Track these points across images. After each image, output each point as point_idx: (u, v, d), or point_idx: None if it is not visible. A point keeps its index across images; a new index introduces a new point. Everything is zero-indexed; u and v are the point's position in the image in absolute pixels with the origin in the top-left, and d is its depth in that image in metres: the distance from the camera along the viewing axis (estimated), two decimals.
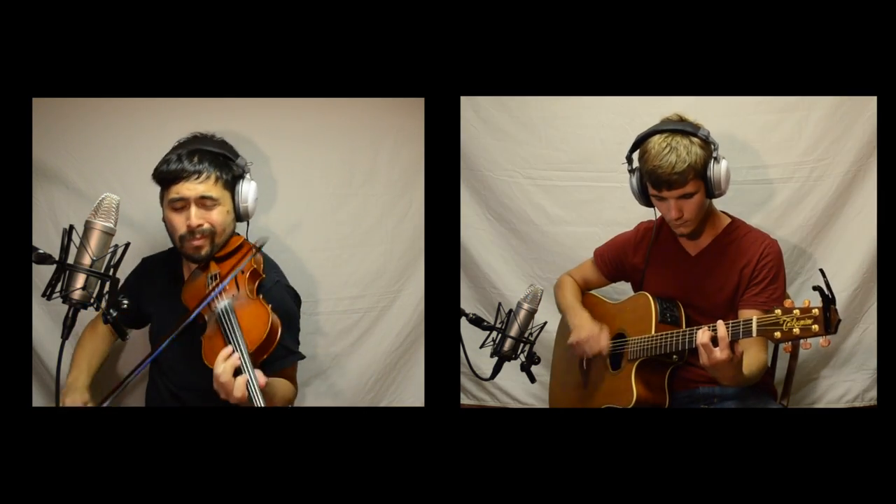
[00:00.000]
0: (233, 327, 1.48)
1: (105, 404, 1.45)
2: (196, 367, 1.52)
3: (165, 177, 1.63)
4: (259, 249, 1.61)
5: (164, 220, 1.67)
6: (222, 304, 1.53)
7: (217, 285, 1.55)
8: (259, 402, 1.39)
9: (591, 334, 1.80)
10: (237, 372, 1.41)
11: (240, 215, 1.70)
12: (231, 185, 1.68)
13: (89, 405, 1.67)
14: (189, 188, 1.61)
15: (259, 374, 1.42)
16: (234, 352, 1.42)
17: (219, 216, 1.64)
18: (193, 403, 1.68)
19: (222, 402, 1.44)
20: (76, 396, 1.67)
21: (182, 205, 1.62)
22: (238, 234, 1.73)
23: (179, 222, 1.62)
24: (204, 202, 1.62)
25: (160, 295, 1.75)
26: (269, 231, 2.05)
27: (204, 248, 1.63)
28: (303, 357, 1.75)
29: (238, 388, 1.39)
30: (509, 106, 2.35)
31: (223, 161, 1.67)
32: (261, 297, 1.61)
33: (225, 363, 1.41)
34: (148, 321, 1.80)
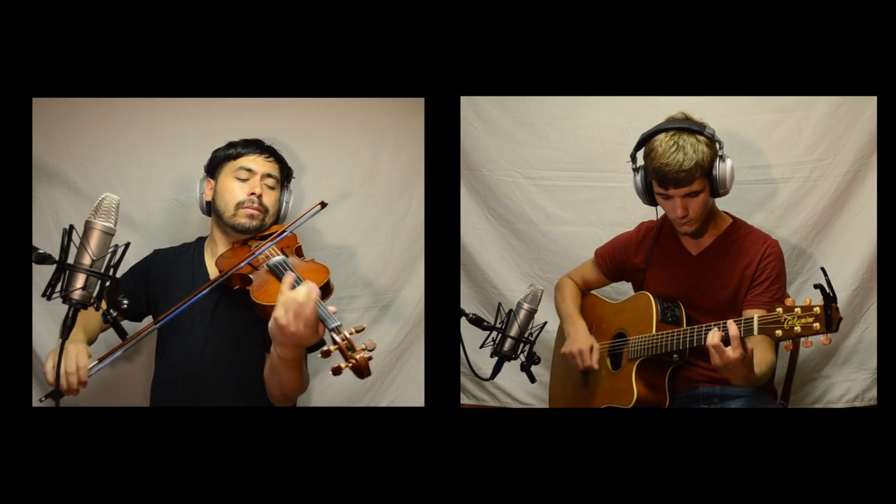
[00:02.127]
0: (294, 272, 1.52)
1: (95, 369, 1.43)
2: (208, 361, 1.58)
3: (233, 153, 1.77)
4: (324, 205, 1.71)
5: (217, 192, 1.75)
6: (277, 258, 1.61)
7: (269, 242, 1.64)
8: (333, 318, 1.38)
9: (582, 349, 1.81)
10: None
11: (279, 215, 1.83)
12: (283, 180, 1.85)
13: (89, 360, 1.58)
14: (259, 163, 1.77)
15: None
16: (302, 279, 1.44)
17: (274, 198, 1.79)
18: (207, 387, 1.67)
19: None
20: (79, 346, 1.58)
21: (248, 175, 1.75)
22: (281, 224, 1.83)
23: (242, 190, 1.74)
24: (267, 180, 1.78)
25: (177, 285, 1.74)
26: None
27: (255, 219, 1.73)
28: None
29: (310, 304, 1.37)
30: (509, 106, 2.35)
31: (282, 158, 1.85)
32: (312, 259, 1.71)
33: (297, 287, 1.38)
34: (149, 313, 1.79)
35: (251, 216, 1.73)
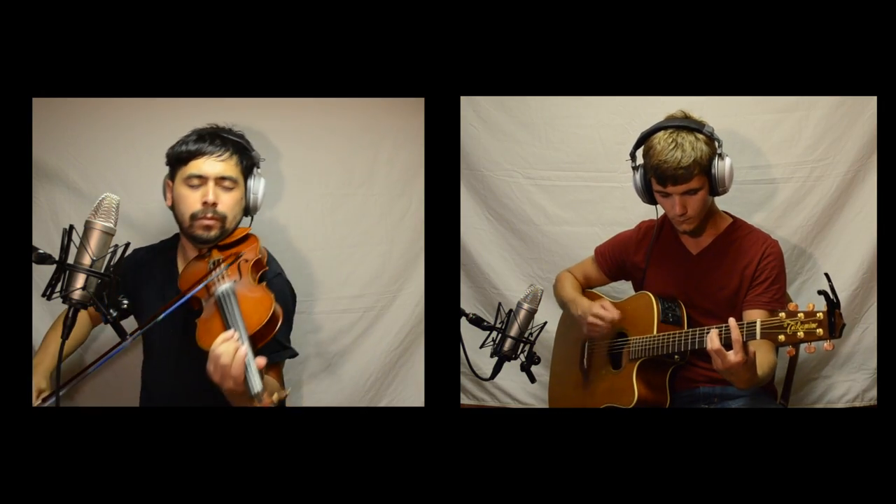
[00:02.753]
0: (233, 310, 1.44)
1: (49, 401, 1.43)
2: (185, 380, 1.53)
3: (182, 155, 1.61)
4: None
5: (173, 200, 1.65)
6: (224, 286, 1.49)
7: (219, 266, 1.53)
8: (257, 383, 1.33)
9: (598, 310, 1.80)
10: None
11: (247, 208, 1.70)
12: (246, 173, 1.68)
13: (43, 393, 1.62)
14: (210, 165, 1.61)
15: (260, 358, 1.36)
16: (234, 334, 1.37)
17: (233, 201, 1.64)
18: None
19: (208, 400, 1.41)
20: (36, 378, 1.60)
21: (199, 182, 1.61)
22: (244, 227, 1.71)
23: (194, 199, 1.61)
24: (223, 182, 1.62)
25: (157, 288, 1.71)
26: (270, 228, 2.05)
27: (213, 229, 1.61)
28: (295, 354, 1.72)
29: (236, 366, 1.33)
30: (509, 106, 2.35)
31: (242, 148, 1.68)
32: (264, 284, 1.59)
33: (226, 343, 1.34)
34: (131, 312, 1.72)
35: (207, 227, 1.61)
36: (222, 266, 1.53)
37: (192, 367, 1.56)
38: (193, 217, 1.60)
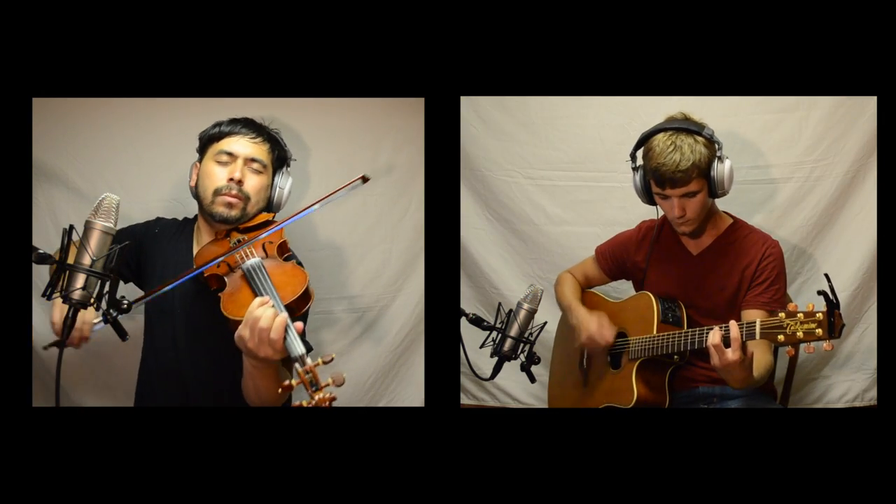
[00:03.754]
0: (265, 281, 1.45)
1: (98, 326, 1.42)
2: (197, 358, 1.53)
3: (216, 134, 1.63)
4: (366, 180, 1.59)
5: (198, 178, 1.65)
6: (252, 261, 1.51)
7: (245, 241, 1.53)
8: (299, 346, 1.32)
9: (593, 333, 1.80)
10: None
11: (271, 202, 1.70)
12: (276, 165, 1.70)
13: (94, 315, 1.54)
14: (242, 145, 1.63)
15: (298, 322, 1.36)
16: (270, 300, 1.37)
17: (259, 185, 1.64)
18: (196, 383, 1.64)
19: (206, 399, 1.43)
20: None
21: (228, 159, 1.62)
22: (268, 213, 1.70)
23: (221, 174, 1.61)
24: (252, 164, 1.63)
25: (169, 264, 1.67)
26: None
27: (235, 208, 1.61)
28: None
29: (276, 328, 1.32)
30: (509, 106, 2.35)
31: (276, 139, 1.70)
32: (293, 262, 1.59)
33: (263, 307, 1.34)
34: (133, 280, 1.73)
35: (229, 205, 1.60)
36: (247, 241, 1.53)
37: (196, 342, 1.60)
38: (217, 192, 1.60)
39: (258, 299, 1.38)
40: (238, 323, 1.38)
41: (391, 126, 2.22)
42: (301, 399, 1.31)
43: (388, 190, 2.24)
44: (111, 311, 1.29)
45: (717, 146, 1.66)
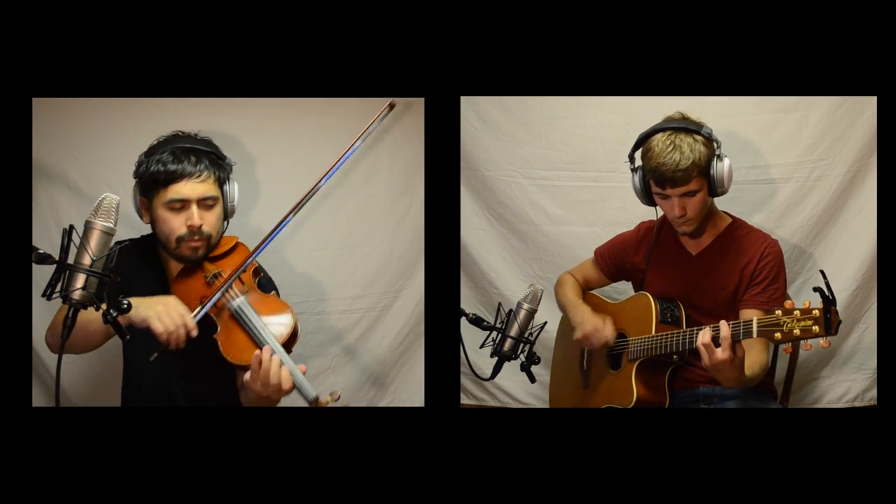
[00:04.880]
0: (255, 323, 1.52)
1: (198, 316, 1.50)
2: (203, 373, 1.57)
3: (162, 177, 1.58)
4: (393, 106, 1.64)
5: (154, 221, 1.63)
6: (237, 301, 1.56)
7: (226, 281, 1.56)
8: (311, 390, 1.44)
9: (596, 327, 1.80)
10: None
11: (226, 214, 1.69)
12: (222, 184, 1.67)
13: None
14: (191, 188, 1.59)
15: (301, 365, 1.48)
16: (267, 349, 1.47)
17: (215, 218, 1.64)
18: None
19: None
20: (172, 299, 1.52)
21: (181, 205, 1.59)
22: (231, 236, 1.71)
23: (178, 223, 1.59)
24: (206, 202, 1.61)
25: (142, 284, 1.65)
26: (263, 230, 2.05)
27: (201, 249, 1.62)
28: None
29: (286, 381, 1.43)
30: (509, 106, 2.35)
31: (216, 160, 1.66)
32: (273, 293, 1.66)
33: (268, 359, 1.44)
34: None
35: (194, 248, 1.61)
36: (225, 282, 1.56)
37: (196, 368, 1.62)
38: (179, 240, 1.60)
39: (256, 353, 1.46)
40: (242, 367, 1.48)
41: (391, 126, 2.22)
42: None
43: (388, 190, 2.24)
44: (111, 311, 1.29)
45: (715, 145, 1.66)
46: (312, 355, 2.19)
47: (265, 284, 1.71)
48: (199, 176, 1.60)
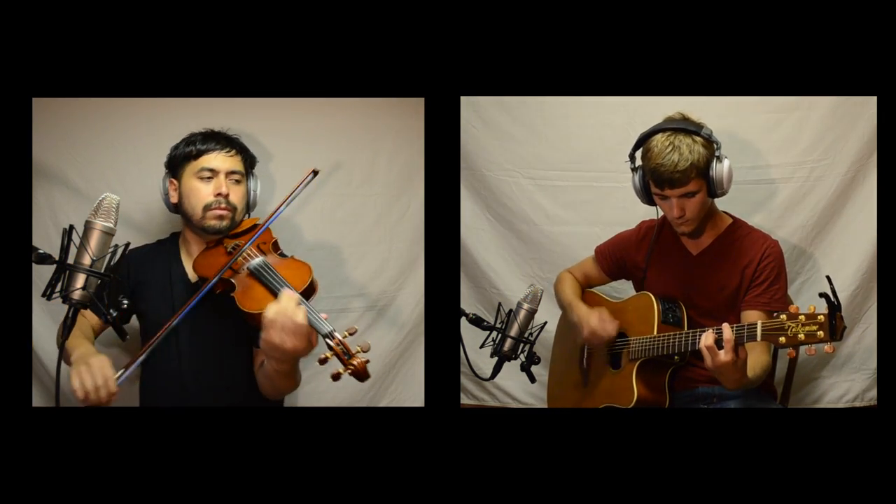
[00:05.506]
0: (275, 275, 1.56)
1: (122, 378, 1.44)
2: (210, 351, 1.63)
3: (192, 153, 1.70)
4: (316, 173, 1.77)
5: (182, 194, 1.72)
6: (255, 260, 1.62)
7: (242, 245, 1.64)
8: (325, 324, 1.41)
9: (594, 327, 1.80)
10: None
11: (249, 206, 1.80)
12: (248, 171, 1.79)
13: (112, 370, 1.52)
14: (221, 160, 1.71)
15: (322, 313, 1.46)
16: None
17: (241, 194, 1.74)
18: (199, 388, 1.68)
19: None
20: (100, 359, 1.48)
21: (211, 174, 1.70)
22: (252, 218, 1.80)
23: (206, 191, 1.69)
24: (232, 176, 1.72)
25: (155, 280, 1.74)
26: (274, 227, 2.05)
27: (225, 219, 1.70)
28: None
29: (300, 313, 1.38)
30: (509, 106, 2.35)
31: (244, 147, 1.80)
32: (293, 255, 1.71)
33: (279, 302, 1.40)
34: (132, 312, 1.76)
35: (220, 217, 1.69)
36: (245, 244, 1.65)
37: (204, 348, 1.68)
38: (207, 208, 1.68)
39: (282, 295, 1.43)
40: (256, 316, 1.44)
41: (391, 126, 2.22)
42: (337, 368, 1.39)
43: (387, 190, 2.24)
44: (111, 311, 1.29)
45: (715, 146, 1.66)
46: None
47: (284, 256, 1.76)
48: (230, 152, 1.73)
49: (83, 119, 2.01)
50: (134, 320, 1.80)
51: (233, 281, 1.59)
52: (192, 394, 1.67)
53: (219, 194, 1.69)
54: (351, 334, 1.41)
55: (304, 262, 1.64)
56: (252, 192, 1.80)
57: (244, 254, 1.64)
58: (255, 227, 1.75)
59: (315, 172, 1.77)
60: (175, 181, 1.74)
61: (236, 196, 1.72)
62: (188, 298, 1.60)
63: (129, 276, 1.74)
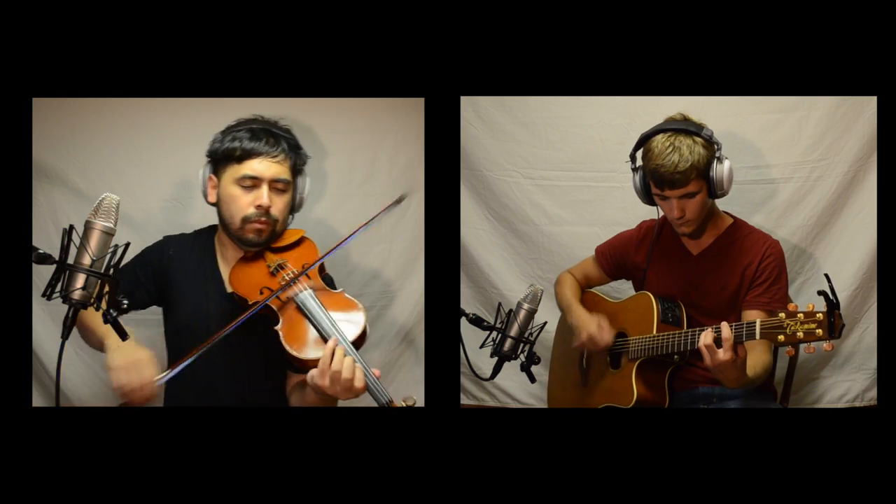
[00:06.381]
0: (326, 317, 1.46)
1: (164, 380, 1.40)
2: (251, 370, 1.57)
3: (235, 153, 1.56)
4: (399, 202, 1.61)
5: (221, 199, 1.61)
6: (304, 293, 1.50)
7: (284, 270, 1.53)
8: (385, 394, 1.39)
9: (592, 333, 1.80)
10: None
11: (293, 206, 1.67)
12: (295, 173, 1.65)
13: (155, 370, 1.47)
14: (266, 166, 1.56)
15: (375, 369, 1.44)
16: (338, 343, 1.41)
17: (284, 204, 1.61)
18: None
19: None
20: (140, 358, 1.43)
21: (253, 183, 1.56)
22: (297, 229, 1.69)
23: (246, 201, 1.56)
24: (277, 185, 1.59)
25: (193, 279, 1.65)
26: (325, 223, 2.04)
27: (264, 233, 1.59)
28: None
29: (359, 378, 1.37)
30: (509, 106, 2.35)
31: (294, 147, 1.64)
32: (341, 290, 1.58)
33: (341, 357, 1.37)
34: (156, 304, 1.71)
35: (259, 231, 1.58)
36: (294, 275, 1.52)
37: (233, 362, 1.60)
38: (245, 220, 1.57)
39: (329, 346, 1.39)
40: (301, 360, 1.42)
41: (391, 126, 2.22)
42: None
43: (387, 190, 2.24)
44: (111, 311, 1.29)
45: (716, 147, 1.66)
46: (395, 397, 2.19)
47: (329, 282, 1.68)
48: (277, 157, 1.58)
49: (83, 119, 2.01)
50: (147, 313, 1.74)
51: (278, 313, 1.49)
52: (224, 398, 1.62)
53: (259, 206, 1.56)
54: (409, 405, 1.40)
55: (355, 302, 1.53)
56: (298, 195, 1.66)
57: (290, 274, 1.54)
58: (301, 241, 1.65)
59: (399, 200, 1.63)
60: (215, 178, 1.62)
61: (278, 207, 1.59)
62: (221, 308, 1.56)
63: (168, 265, 1.66)
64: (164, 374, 1.42)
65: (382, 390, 1.41)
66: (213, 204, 1.65)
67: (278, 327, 1.48)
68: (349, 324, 1.49)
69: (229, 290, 1.62)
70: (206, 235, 1.73)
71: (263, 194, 1.57)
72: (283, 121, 1.71)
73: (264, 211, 1.57)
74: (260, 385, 1.64)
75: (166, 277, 1.67)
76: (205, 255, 1.69)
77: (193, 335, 1.58)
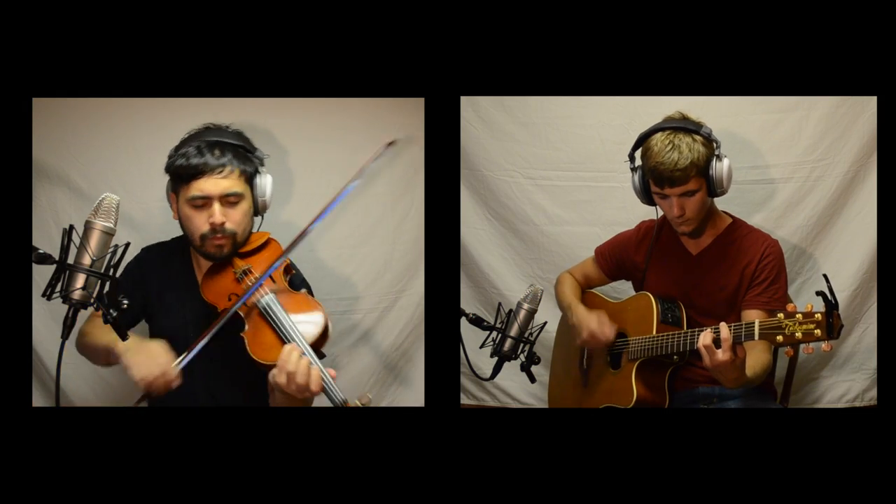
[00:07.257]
0: (284, 322, 1.50)
1: (180, 364, 1.46)
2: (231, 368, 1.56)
3: (184, 171, 1.55)
4: (391, 144, 1.60)
5: (180, 217, 1.62)
6: (266, 298, 1.54)
7: (248, 276, 1.57)
8: (339, 395, 1.43)
9: (593, 329, 1.80)
10: None
11: (257, 209, 1.67)
12: (251, 179, 1.64)
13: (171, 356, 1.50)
14: (213, 184, 1.56)
15: (331, 369, 1.46)
16: (297, 347, 1.45)
17: (240, 215, 1.60)
18: (230, 402, 1.66)
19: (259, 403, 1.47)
20: (156, 347, 1.49)
21: (203, 202, 1.56)
22: (262, 231, 1.70)
23: (201, 220, 1.57)
24: (228, 199, 1.58)
25: (171, 288, 1.68)
26: (294, 224, 2.03)
27: (226, 247, 1.60)
28: (324, 356, 1.68)
29: (314, 381, 1.41)
30: (509, 106, 2.35)
31: (244, 154, 1.62)
32: (303, 291, 1.63)
33: (297, 359, 1.42)
34: (142, 317, 1.73)
35: (219, 247, 1.59)
36: (257, 280, 1.55)
37: (222, 366, 1.62)
38: (203, 238, 1.58)
39: (287, 348, 1.43)
40: (268, 366, 1.45)
41: (391, 126, 2.22)
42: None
43: (388, 190, 2.24)
44: (111, 311, 1.29)
45: (715, 145, 1.66)
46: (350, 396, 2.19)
47: (297, 283, 1.69)
48: (222, 171, 1.56)
49: (83, 119, 2.01)
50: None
51: (244, 319, 1.54)
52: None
53: (213, 224, 1.56)
54: (364, 405, 1.44)
55: (315, 302, 1.57)
56: (260, 198, 1.65)
57: (253, 279, 1.57)
58: (267, 243, 1.66)
59: (391, 144, 1.59)
60: (175, 195, 1.63)
61: (235, 220, 1.58)
62: (198, 316, 1.59)
63: (149, 277, 1.69)
64: (181, 358, 1.46)
65: (336, 391, 1.45)
66: (178, 221, 1.66)
67: (244, 333, 1.52)
68: (309, 324, 1.53)
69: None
70: (183, 243, 1.73)
71: (216, 212, 1.56)
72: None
73: (219, 227, 1.57)
74: (241, 386, 1.65)
75: (149, 287, 1.70)
76: (182, 265, 1.72)
77: (176, 344, 1.58)
